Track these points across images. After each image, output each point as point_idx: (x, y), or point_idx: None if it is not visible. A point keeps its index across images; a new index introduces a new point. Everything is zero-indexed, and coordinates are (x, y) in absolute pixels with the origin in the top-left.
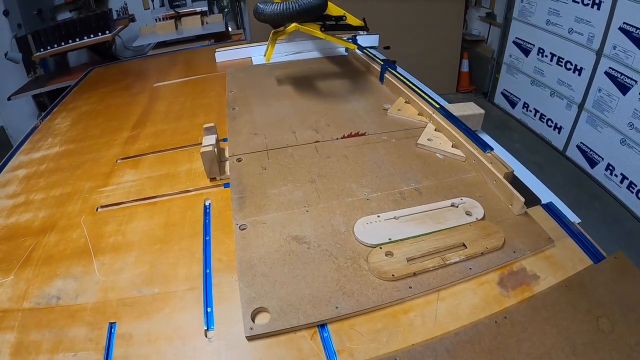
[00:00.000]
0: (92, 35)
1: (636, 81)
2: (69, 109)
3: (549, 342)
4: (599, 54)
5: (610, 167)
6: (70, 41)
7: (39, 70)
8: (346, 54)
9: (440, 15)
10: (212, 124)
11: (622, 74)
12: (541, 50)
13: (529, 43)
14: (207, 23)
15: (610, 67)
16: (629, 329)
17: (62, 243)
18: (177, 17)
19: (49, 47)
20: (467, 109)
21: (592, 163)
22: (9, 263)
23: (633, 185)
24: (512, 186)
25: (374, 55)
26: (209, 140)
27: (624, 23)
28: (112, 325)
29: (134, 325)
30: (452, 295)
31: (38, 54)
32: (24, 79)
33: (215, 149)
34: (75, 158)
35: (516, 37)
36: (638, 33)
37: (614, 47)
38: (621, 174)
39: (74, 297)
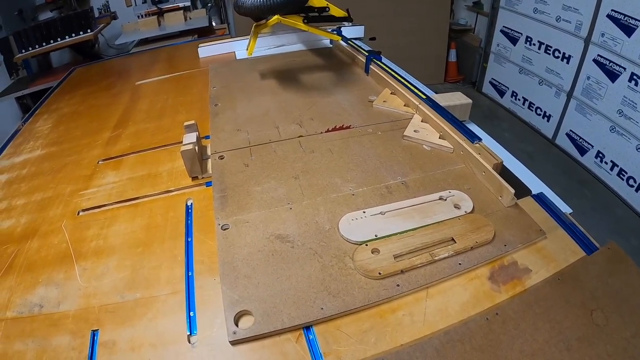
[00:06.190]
0: (73, 35)
1: (625, 68)
2: (51, 111)
3: (542, 338)
4: (587, 41)
5: (601, 155)
6: (52, 41)
7: (21, 72)
8: (331, 45)
9: (427, 5)
10: (192, 122)
11: (610, 61)
12: (529, 39)
13: (516, 32)
14: (190, 18)
15: (598, 55)
16: (623, 322)
17: (44, 249)
18: (160, 13)
19: (30, 48)
20: (454, 99)
21: (582, 151)
22: None
23: (623, 172)
24: (502, 177)
25: (359, 47)
26: (190, 138)
27: (612, 10)
28: (94, 333)
29: (117, 332)
30: (441, 293)
31: (20, 55)
32: (7, 81)
33: (196, 147)
34: (57, 161)
35: (504, 26)
36: (626, 20)
37: (602, 35)
38: (611, 161)
39: (56, 305)
